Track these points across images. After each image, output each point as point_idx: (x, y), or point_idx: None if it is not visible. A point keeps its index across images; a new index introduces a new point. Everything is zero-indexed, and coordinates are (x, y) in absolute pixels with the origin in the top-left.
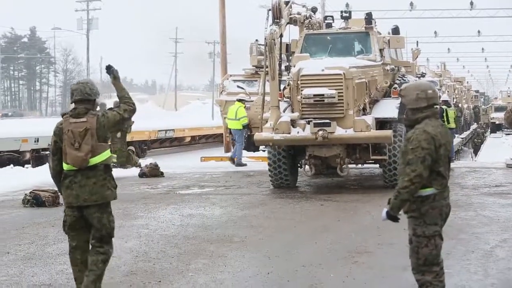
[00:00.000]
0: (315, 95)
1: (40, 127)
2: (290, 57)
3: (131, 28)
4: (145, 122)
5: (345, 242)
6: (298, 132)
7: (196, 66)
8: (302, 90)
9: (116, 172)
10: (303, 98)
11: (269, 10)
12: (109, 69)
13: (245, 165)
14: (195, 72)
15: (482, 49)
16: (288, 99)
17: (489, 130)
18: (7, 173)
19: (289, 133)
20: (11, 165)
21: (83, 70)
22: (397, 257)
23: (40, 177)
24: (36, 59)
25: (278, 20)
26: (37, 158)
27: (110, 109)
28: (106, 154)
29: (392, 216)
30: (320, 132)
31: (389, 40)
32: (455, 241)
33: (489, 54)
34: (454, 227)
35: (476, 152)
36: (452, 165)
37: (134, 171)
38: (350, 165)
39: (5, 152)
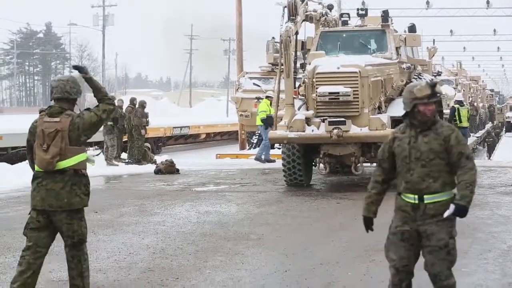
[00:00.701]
0: (330, 93)
1: None
2: (306, 55)
3: (147, 25)
4: (160, 119)
5: (362, 240)
6: (312, 130)
7: (211, 63)
8: (317, 88)
9: (132, 169)
10: (318, 96)
11: (285, 7)
12: (79, 68)
13: (273, 161)
14: (210, 69)
15: (498, 48)
16: (303, 97)
17: (504, 129)
18: (22, 168)
19: (304, 131)
20: (27, 161)
21: (98, 66)
22: None
23: None
24: (52, 54)
25: (293, 17)
26: None
27: (88, 109)
28: (77, 159)
29: (466, 211)
30: (335, 131)
31: (405, 38)
32: (471, 240)
33: (504, 53)
34: (471, 226)
35: (489, 151)
36: None
37: (149, 168)
38: (365, 164)
39: (21, 148)
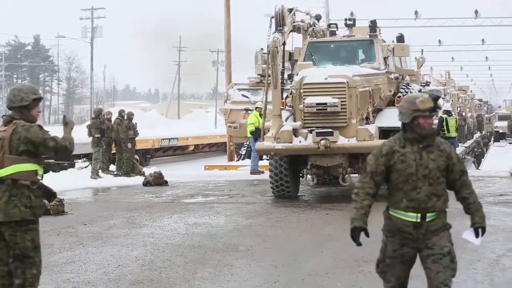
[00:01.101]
0: (317, 104)
1: None
2: (293, 66)
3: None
4: (148, 131)
5: (351, 251)
6: (300, 142)
7: (199, 75)
8: (304, 99)
9: (120, 181)
10: (306, 106)
11: (272, 18)
12: (64, 118)
13: (262, 172)
14: (198, 80)
15: (486, 57)
16: (291, 108)
17: (492, 138)
18: None
19: (291, 142)
20: None
21: (87, 78)
22: None
23: None
24: (40, 67)
25: (281, 28)
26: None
27: (40, 126)
28: (15, 168)
29: (484, 229)
30: (322, 142)
31: (393, 48)
32: (461, 250)
33: (492, 63)
34: (460, 235)
35: (478, 161)
36: None
37: (138, 180)
38: (353, 175)
39: None
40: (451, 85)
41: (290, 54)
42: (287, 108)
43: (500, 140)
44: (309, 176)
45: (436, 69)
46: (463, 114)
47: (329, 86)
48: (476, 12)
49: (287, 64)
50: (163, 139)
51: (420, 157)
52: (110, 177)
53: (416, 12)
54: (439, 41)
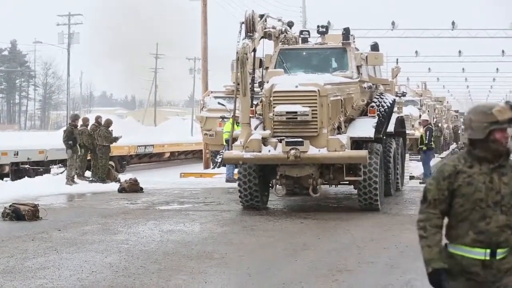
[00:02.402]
0: (287, 112)
1: (19, 141)
2: (264, 73)
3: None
4: (124, 137)
5: (325, 260)
6: (269, 151)
7: (176, 82)
8: (274, 107)
9: (96, 187)
10: (275, 115)
11: (242, 23)
12: None
13: (237, 180)
14: (174, 88)
15: (463, 69)
16: (260, 116)
17: None
18: None
19: (260, 151)
20: None
21: (63, 84)
22: (377, 276)
23: (20, 190)
24: (16, 72)
25: (251, 34)
26: (16, 172)
27: None
28: None
29: None
30: (292, 151)
31: (366, 56)
32: None
33: (469, 75)
34: None
35: None
36: None
37: (113, 186)
38: (323, 186)
39: None
40: (427, 96)
41: (261, 61)
42: (257, 116)
43: None
44: (278, 187)
45: (413, 80)
46: (440, 125)
47: (300, 94)
48: (453, 23)
49: (257, 71)
50: (139, 146)
51: (490, 179)
52: (85, 183)
53: (393, 23)
54: (416, 52)
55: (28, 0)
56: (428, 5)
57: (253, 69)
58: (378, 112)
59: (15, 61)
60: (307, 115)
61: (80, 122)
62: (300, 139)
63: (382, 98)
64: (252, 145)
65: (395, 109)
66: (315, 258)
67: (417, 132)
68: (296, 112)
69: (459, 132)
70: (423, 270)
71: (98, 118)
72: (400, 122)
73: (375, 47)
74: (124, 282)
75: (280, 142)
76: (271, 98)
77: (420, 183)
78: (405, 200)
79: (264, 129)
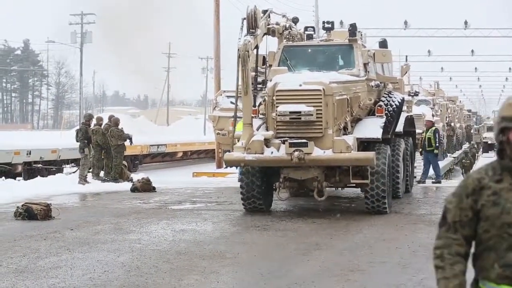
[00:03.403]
0: (291, 112)
1: (32, 140)
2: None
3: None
4: (137, 137)
5: (337, 260)
6: (272, 153)
7: (188, 81)
8: (277, 107)
9: (108, 187)
10: (278, 115)
11: (244, 19)
12: None
13: None
14: (187, 87)
15: (475, 68)
16: (263, 116)
17: (481, 149)
18: None
19: (262, 153)
20: (3, 178)
21: (76, 83)
22: (389, 275)
23: (32, 190)
24: (29, 71)
25: (253, 30)
26: (29, 171)
27: None
28: None
29: None
30: (296, 153)
31: (374, 53)
32: None
33: (482, 74)
34: None
35: (466, 172)
36: (444, 184)
37: (126, 186)
38: (329, 189)
39: None
40: (440, 95)
41: (264, 59)
42: (259, 116)
43: (489, 151)
44: (282, 190)
45: (425, 79)
46: (452, 124)
47: (304, 93)
48: (465, 23)
49: (260, 69)
50: (152, 146)
51: None
52: (98, 182)
53: (405, 22)
54: (429, 51)
55: None
56: (441, 4)
57: (256, 67)
58: (386, 112)
59: (28, 60)
60: (312, 115)
61: (94, 122)
62: (304, 140)
63: (391, 97)
64: (254, 147)
65: (404, 108)
66: (328, 257)
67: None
68: (300, 112)
69: (471, 131)
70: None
71: (111, 117)
72: (410, 121)
73: (383, 44)
74: (136, 281)
75: (283, 143)
76: (274, 98)
77: (433, 182)
78: (418, 200)
79: (267, 129)
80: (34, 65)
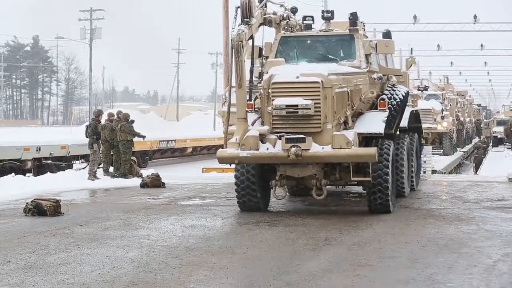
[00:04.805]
0: (287, 106)
1: (42, 136)
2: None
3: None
4: (146, 133)
5: (346, 255)
6: (267, 149)
7: (198, 77)
8: (273, 100)
9: (118, 182)
10: (274, 109)
11: (238, 7)
12: None
13: None
14: (197, 83)
15: (485, 63)
16: (259, 111)
17: (491, 144)
18: (8, 181)
19: (257, 149)
20: (13, 174)
21: (86, 79)
22: (398, 271)
23: (42, 186)
24: (39, 68)
25: (248, 20)
26: (38, 167)
27: None
28: None
29: None
30: (293, 149)
31: (376, 44)
32: (457, 255)
33: (491, 68)
34: (456, 240)
35: (477, 167)
36: (454, 179)
37: (135, 181)
38: (329, 187)
39: (7, 161)
40: (449, 90)
41: (260, 50)
42: (255, 110)
43: (499, 145)
44: (277, 189)
45: (435, 74)
46: (461, 119)
47: (301, 86)
48: (475, 17)
49: (256, 61)
50: (161, 141)
51: None
52: (107, 178)
53: (415, 17)
54: (438, 45)
55: None
56: None
57: (252, 59)
58: (389, 106)
59: (37, 56)
60: (309, 108)
61: (104, 117)
62: (302, 136)
63: (394, 90)
64: (248, 143)
65: (410, 102)
66: (337, 252)
67: (440, 126)
68: (297, 106)
69: (481, 125)
70: (445, 265)
71: (119, 113)
72: (415, 116)
73: (387, 35)
74: (146, 277)
75: (280, 139)
76: (270, 90)
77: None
78: (427, 194)
79: (262, 124)
80: (43, 61)
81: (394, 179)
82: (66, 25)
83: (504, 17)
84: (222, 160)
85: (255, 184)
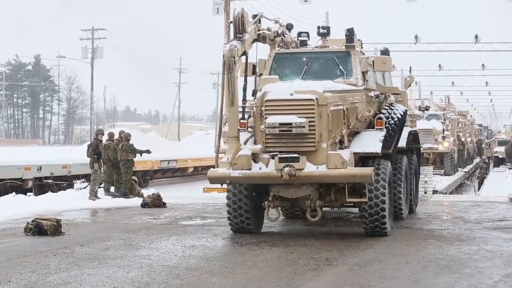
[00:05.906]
0: (281, 124)
1: (43, 156)
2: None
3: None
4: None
5: (347, 276)
6: (260, 168)
7: (199, 97)
8: (266, 118)
9: (119, 202)
10: (267, 127)
11: (231, 23)
12: None
13: None
14: (198, 102)
15: (486, 83)
16: (252, 130)
17: (492, 164)
18: (9, 201)
19: (250, 169)
20: (14, 193)
21: (87, 99)
22: None
23: (43, 205)
24: (40, 87)
25: (241, 35)
26: (39, 186)
27: None
28: None
29: None
30: (286, 169)
31: (373, 61)
32: (457, 275)
33: (493, 88)
34: (457, 261)
35: (481, 184)
36: (455, 199)
37: (136, 201)
38: (325, 208)
39: (8, 180)
40: (450, 109)
41: (254, 67)
42: (249, 129)
43: (500, 165)
44: (271, 210)
45: (436, 94)
46: (462, 139)
47: (295, 103)
48: (476, 37)
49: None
50: (162, 161)
51: None
52: (108, 198)
53: (416, 37)
54: (439, 65)
55: (51, 14)
56: (451, 18)
57: (245, 76)
58: (387, 125)
59: (39, 75)
60: (304, 127)
61: (106, 137)
62: (296, 155)
63: (392, 109)
64: (240, 162)
65: (408, 122)
66: (338, 273)
67: (441, 146)
68: (290, 124)
69: (482, 145)
70: (446, 285)
71: (121, 133)
72: (414, 137)
73: (385, 53)
74: None
75: (273, 158)
76: (263, 108)
77: None
78: (428, 214)
79: (255, 143)
80: (45, 81)
81: (391, 200)
82: (67, 44)
83: (506, 37)
84: (213, 180)
85: (248, 205)
